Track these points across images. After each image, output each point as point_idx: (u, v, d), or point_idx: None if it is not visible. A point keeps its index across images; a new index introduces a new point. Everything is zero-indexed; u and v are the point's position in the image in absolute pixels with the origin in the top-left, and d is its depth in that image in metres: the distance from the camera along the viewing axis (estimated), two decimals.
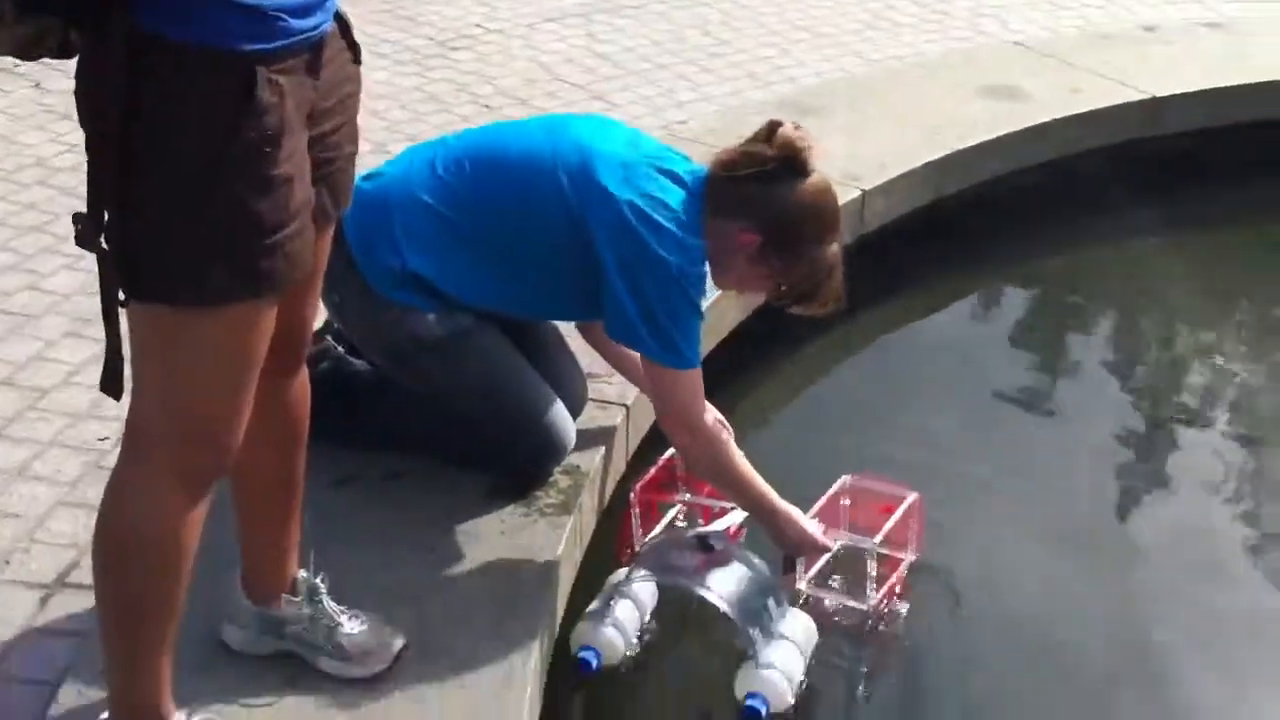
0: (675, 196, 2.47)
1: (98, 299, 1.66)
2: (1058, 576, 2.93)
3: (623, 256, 2.43)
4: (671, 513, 2.89)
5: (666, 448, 2.80)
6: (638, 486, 2.79)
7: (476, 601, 2.36)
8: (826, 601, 2.71)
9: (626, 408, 2.92)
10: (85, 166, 1.63)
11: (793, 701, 2.44)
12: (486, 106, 4.65)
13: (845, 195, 3.79)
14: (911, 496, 2.80)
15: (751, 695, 2.41)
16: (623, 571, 2.61)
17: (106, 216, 1.61)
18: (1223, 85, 4.93)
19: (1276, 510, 3.26)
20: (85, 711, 2.03)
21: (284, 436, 2.04)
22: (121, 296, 1.66)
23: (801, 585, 2.70)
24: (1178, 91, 4.85)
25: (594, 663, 2.48)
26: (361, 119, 1.88)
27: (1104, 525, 3.15)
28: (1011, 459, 3.34)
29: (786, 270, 2.54)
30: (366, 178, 2.57)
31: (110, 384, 1.71)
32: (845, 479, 2.87)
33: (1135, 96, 4.79)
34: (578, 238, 2.47)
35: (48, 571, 2.39)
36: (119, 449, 1.82)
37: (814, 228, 2.51)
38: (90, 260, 1.64)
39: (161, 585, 1.82)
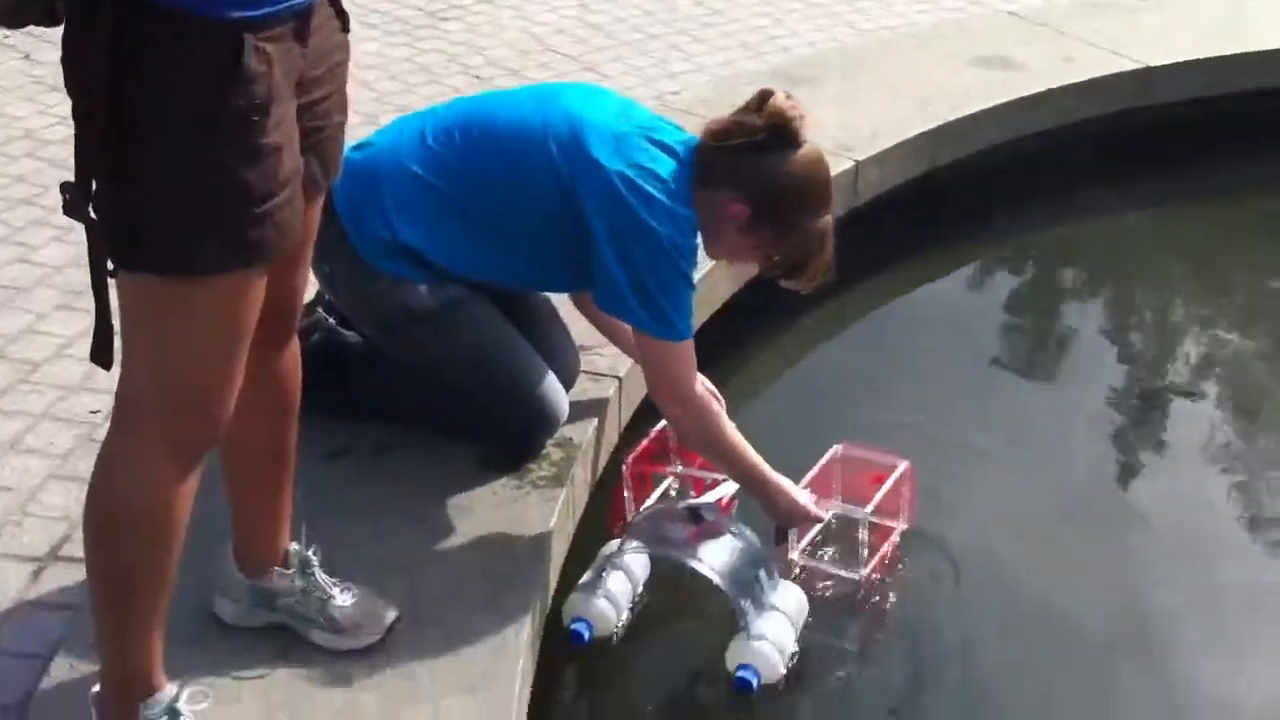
0: (666, 167, 2.46)
1: (88, 271, 1.65)
2: (1053, 546, 2.93)
3: (613, 227, 2.42)
4: (664, 484, 2.89)
5: (659, 419, 2.79)
6: (630, 458, 2.79)
7: (469, 574, 2.37)
8: (819, 572, 2.71)
9: (619, 379, 2.91)
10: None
11: (784, 673, 2.45)
12: (477, 78, 4.63)
13: (838, 166, 3.78)
14: (903, 465, 2.80)
15: (743, 667, 2.42)
16: (615, 543, 2.61)
17: (94, 186, 1.60)
18: (1217, 54, 4.90)
19: (1272, 481, 3.27)
20: (77, 684, 2.03)
21: (275, 408, 2.04)
22: (110, 267, 1.65)
23: (794, 556, 2.71)
24: (1171, 61, 4.83)
25: (586, 634, 2.49)
26: (351, 90, 1.87)
27: (1099, 495, 3.15)
28: (1007, 429, 3.34)
29: (776, 242, 2.53)
30: (356, 148, 2.56)
31: (100, 354, 1.70)
32: (837, 449, 2.87)
33: (1129, 66, 4.78)
34: (568, 207, 2.46)
35: (40, 544, 2.39)
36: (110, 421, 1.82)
37: (804, 199, 2.50)
38: (81, 233, 1.63)
39: (152, 557, 1.81)
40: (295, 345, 2.04)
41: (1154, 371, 3.77)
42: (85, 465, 1.84)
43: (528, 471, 2.63)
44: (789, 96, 2.48)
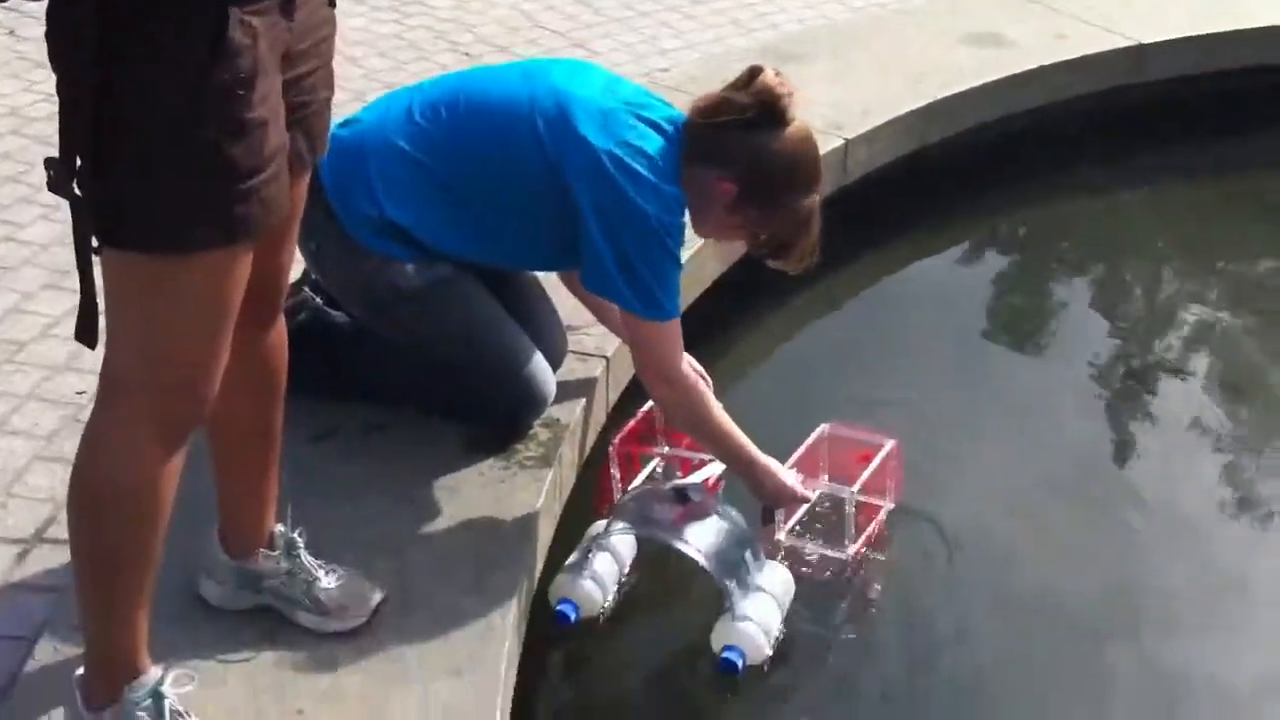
0: (654, 144, 2.45)
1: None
2: (1043, 524, 2.94)
3: (600, 205, 2.41)
4: (651, 465, 2.89)
5: (646, 400, 2.79)
6: (617, 439, 2.79)
7: (455, 555, 2.36)
8: (805, 551, 2.72)
9: (606, 359, 2.91)
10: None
11: (770, 654, 2.45)
12: (466, 54, 4.61)
13: (828, 144, 3.78)
14: (889, 444, 2.80)
15: (728, 648, 2.42)
16: (601, 524, 2.61)
17: (78, 162, 1.59)
18: (1209, 31, 4.89)
19: (1262, 459, 3.28)
20: (62, 667, 2.02)
21: (261, 387, 2.04)
22: (95, 244, 1.64)
23: (780, 536, 2.71)
24: (1163, 38, 4.82)
25: (572, 615, 2.49)
26: (338, 67, 1.86)
27: (1089, 473, 3.16)
28: (997, 407, 3.35)
29: (763, 221, 2.52)
30: (343, 125, 2.55)
31: (85, 333, 1.69)
32: (824, 428, 2.87)
33: (1120, 43, 4.77)
34: (554, 184, 2.45)
35: (25, 526, 2.39)
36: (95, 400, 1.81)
37: (792, 178, 2.49)
38: (68, 211, 1.62)
39: (138, 536, 1.81)
40: (281, 324, 2.03)
41: (1144, 349, 3.77)
42: (70, 446, 1.83)
43: (515, 452, 2.62)
44: (778, 74, 2.47)
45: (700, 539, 2.48)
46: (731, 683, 2.43)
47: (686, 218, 2.52)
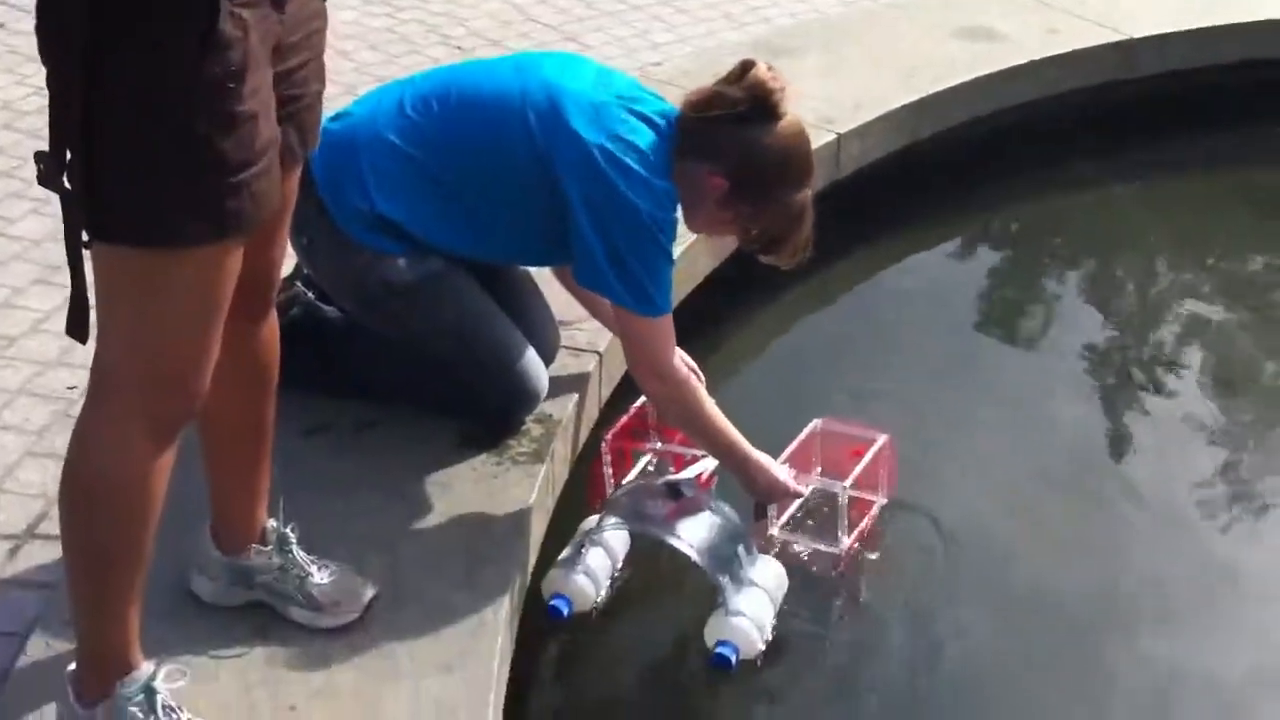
0: (645, 138, 2.44)
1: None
2: (1034, 519, 2.94)
3: (590, 199, 2.41)
4: (643, 461, 2.89)
5: (639, 396, 2.79)
6: (609, 435, 2.79)
7: (448, 550, 2.36)
8: (798, 547, 2.72)
9: (599, 354, 2.91)
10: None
11: (763, 649, 2.45)
12: (458, 48, 4.60)
13: (820, 138, 3.78)
14: (881, 439, 2.80)
15: (721, 643, 2.42)
16: (594, 519, 2.61)
17: (68, 156, 1.59)
18: (1201, 26, 4.90)
19: (1255, 453, 3.29)
20: (54, 663, 2.02)
21: (253, 382, 2.03)
22: (85, 238, 1.63)
23: (773, 532, 2.71)
24: (1155, 32, 4.83)
25: (565, 610, 2.49)
26: (330, 60, 1.86)
27: (1083, 467, 3.16)
28: (990, 402, 3.35)
29: (755, 216, 2.52)
30: (334, 118, 2.54)
31: (76, 328, 1.69)
32: (816, 423, 2.87)
33: (1112, 37, 4.77)
34: (545, 178, 2.44)
35: (16, 522, 2.38)
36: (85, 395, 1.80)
37: (783, 173, 2.49)
38: (59, 206, 1.62)
39: (129, 532, 1.80)
40: (273, 318, 2.03)
41: (1137, 343, 3.77)
42: (62, 441, 1.83)
43: (507, 448, 2.62)
44: (770, 68, 2.46)
45: (693, 534, 2.48)
46: (724, 678, 2.43)
47: (679, 212, 2.51)
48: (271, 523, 2.16)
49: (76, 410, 1.81)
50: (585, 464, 2.83)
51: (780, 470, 2.65)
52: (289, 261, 2.27)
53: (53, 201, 1.62)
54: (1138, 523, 2.97)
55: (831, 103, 4.10)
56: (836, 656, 2.61)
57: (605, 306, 2.66)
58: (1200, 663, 2.61)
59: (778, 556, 2.63)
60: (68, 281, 1.67)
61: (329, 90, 1.88)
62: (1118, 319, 3.90)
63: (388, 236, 2.52)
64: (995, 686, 2.57)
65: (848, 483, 2.69)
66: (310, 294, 2.76)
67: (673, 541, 2.48)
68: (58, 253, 3.00)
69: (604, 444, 2.77)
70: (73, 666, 1.91)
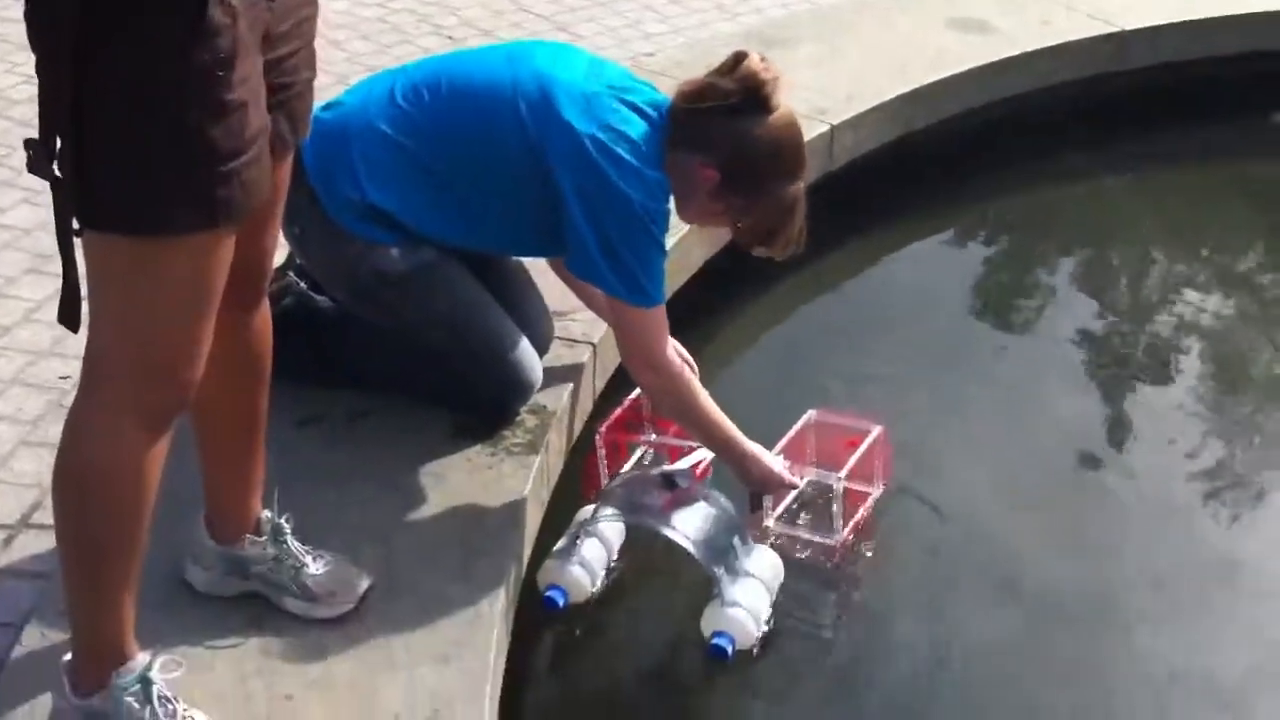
0: (637, 128, 2.44)
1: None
2: (1030, 509, 2.94)
3: (583, 189, 2.40)
4: (638, 453, 2.88)
5: (633, 388, 2.79)
6: (603, 427, 2.78)
7: (443, 541, 2.36)
8: (794, 538, 2.72)
9: (593, 346, 2.90)
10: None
11: (759, 639, 2.45)
12: (450, 38, 4.59)
13: (813, 130, 3.77)
14: (876, 430, 2.80)
15: (717, 634, 2.42)
16: (589, 509, 2.61)
17: (58, 143, 1.58)
18: (1193, 18, 4.90)
19: (1249, 445, 3.29)
20: (49, 653, 2.02)
21: (246, 372, 2.03)
22: (76, 225, 1.63)
23: (769, 523, 2.71)
24: (1147, 24, 4.83)
25: (561, 601, 2.49)
26: (322, 50, 1.85)
27: (1075, 458, 3.16)
28: (983, 394, 3.35)
29: (747, 208, 2.51)
30: (325, 108, 2.53)
31: (67, 316, 1.68)
32: (810, 414, 2.87)
33: (1104, 29, 4.77)
34: (537, 168, 2.43)
35: (11, 512, 2.37)
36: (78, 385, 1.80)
37: (775, 165, 2.49)
38: (50, 194, 1.61)
39: (122, 522, 1.80)
40: (266, 308, 2.02)
41: (1130, 333, 3.78)
42: (56, 431, 1.82)
43: (502, 438, 2.62)
44: (763, 59, 2.45)
45: (688, 525, 2.48)
46: (721, 668, 2.43)
47: (671, 203, 2.51)
48: (266, 513, 2.15)
49: (69, 400, 1.80)
50: (579, 456, 2.83)
51: (775, 461, 2.65)
52: (282, 251, 2.27)
53: (44, 190, 1.61)
54: (1133, 512, 2.98)
55: (824, 94, 4.10)
56: (832, 648, 2.61)
57: (600, 297, 2.65)
58: (1197, 654, 2.61)
59: (773, 548, 2.63)
60: (59, 271, 1.66)
61: (321, 80, 1.87)
62: (1110, 310, 3.90)
63: (379, 226, 2.51)
64: (990, 676, 2.57)
65: (843, 473, 2.69)
66: (303, 284, 2.75)
67: (668, 533, 2.47)
68: (49, 242, 2.99)
69: (598, 436, 2.77)
70: (68, 657, 1.91)
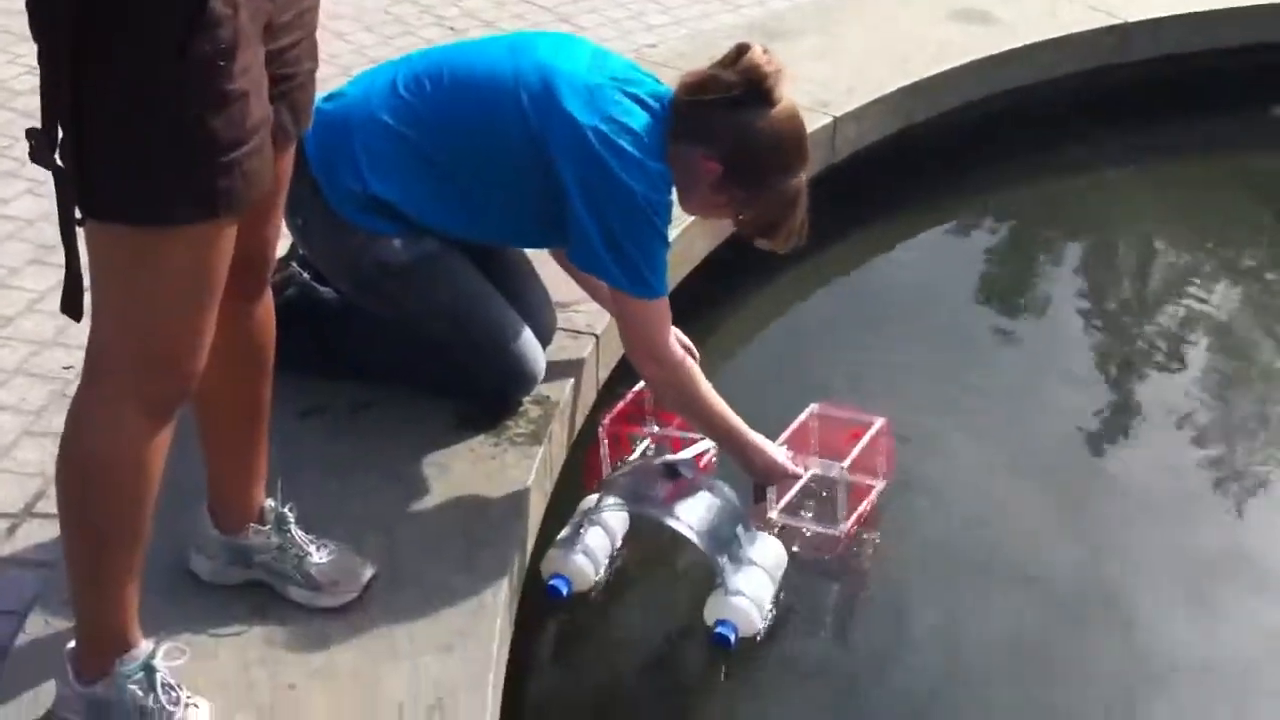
0: (640, 120, 2.43)
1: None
2: (1034, 501, 2.95)
3: (585, 181, 2.40)
4: (641, 445, 2.89)
5: (637, 379, 2.79)
6: (606, 419, 2.78)
7: (446, 531, 2.36)
8: (798, 529, 2.72)
9: (596, 337, 2.90)
10: None
11: (762, 628, 2.46)
12: (452, 29, 4.59)
13: (816, 122, 3.77)
14: (879, 422, 2.80)
15: (721, 623, 2.43)
16: (593, 498, 2.61)
17: (60, 133, 1.58)
18: (1196, 10, 4.90)
19: (1249, 439, 3.29)
20: (53, 641, 2.02)
21: (249, 362, 2.03)
22: (78, 215, 1.63)
23: (773, 514, 2.71)
24: (1149, 16, 4.83)
25: (564, 590, 2.49)
26: (324, 41, 1.85)
27: (1078, 450, 3.17)
28: (985, 386, 3.35)
29: (749, 200, 2.51)
30: (327, 98, 2.53)
31: (70, 305, 1.68)
32: (813, 406, 2.87)
33: (1107, 21, 4.77)
34: (539, 159, 2.43)
35: (14, 501, 2.38)
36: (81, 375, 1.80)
37: (777, 158, 2.48)
38: (54, 185, 1.61)
39: (125, 511, 1.80)
40: (268, 298, 2.02)
41: (1132, 326, 3.78)
42: (59, 421, 1.83)
43: (505, 429, 2.62)
44: (766, 51, 2.45)
45: (691, 515, 2.48)
46: (724, 657, 2.44)
47: (673, 195, 2.51)
48: (269, 502, 2.15)
49: (73, 390, 1.81)
50: (582, 448, 2.83)
51: (778, 451, 2.65)
52: (284, 241, 2.27)
53: (48, 181, 1.61)
54: (1137, 502, 2.98)
55: (827, 86, 4.10)
56: (836, 636, 2.61)
57: (603, 288, 2.65)
58: (1203, 647, 2.62)
59: (777, 539, 2.63)
60: (63, 262, 1.66)
61: (324, 71, 1.87)
62: (1112, 301, 3.90)
63: (382, 217, 2.51)
64: (992, 667, 2.57)
65: (846, 463, 2.69)
66: (306, 274, 2.75)
67: (671, 523, 2.48)
68: (52, 233, 2.99)
69: (600, 429, 2.77)
70: (72, 645, 1.91)
